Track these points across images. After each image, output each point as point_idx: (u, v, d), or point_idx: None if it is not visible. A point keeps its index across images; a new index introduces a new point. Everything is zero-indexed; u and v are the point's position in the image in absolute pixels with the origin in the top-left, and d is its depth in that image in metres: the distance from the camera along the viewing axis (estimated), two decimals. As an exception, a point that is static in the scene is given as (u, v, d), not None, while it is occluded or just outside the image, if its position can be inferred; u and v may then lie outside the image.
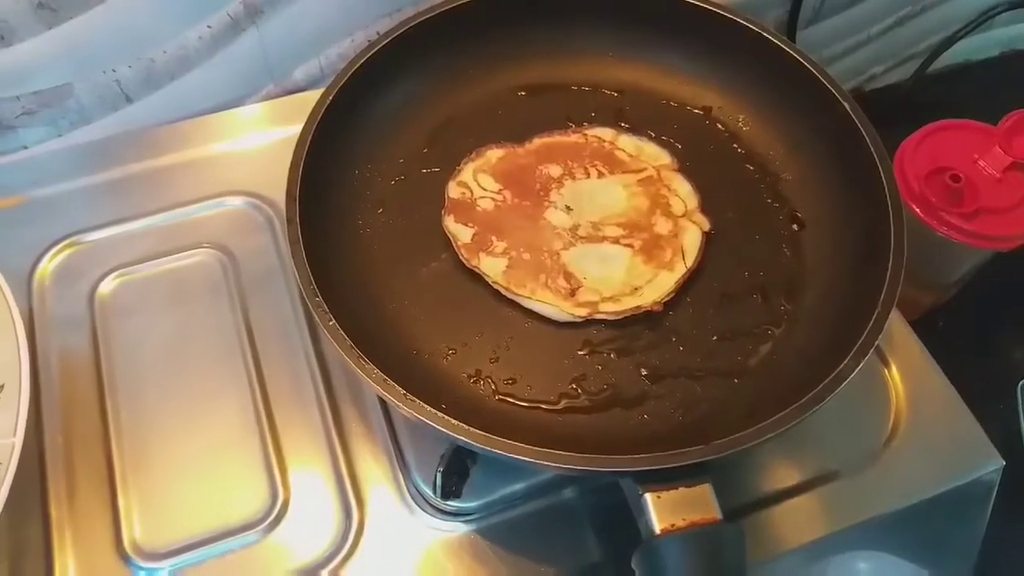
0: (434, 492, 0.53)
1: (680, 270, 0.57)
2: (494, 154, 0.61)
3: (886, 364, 0.62)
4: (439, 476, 0.51)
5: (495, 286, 0.56)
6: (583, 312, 0.55)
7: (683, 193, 0.60)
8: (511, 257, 0.57)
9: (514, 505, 0.54)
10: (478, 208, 0.59)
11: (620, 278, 0.56)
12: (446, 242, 0.58)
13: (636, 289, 0.56)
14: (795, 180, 0.62)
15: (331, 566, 0.52)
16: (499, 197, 0.60)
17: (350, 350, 0.47)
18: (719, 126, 0.65)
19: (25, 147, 0.68)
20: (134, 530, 0.52)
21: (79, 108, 0.66)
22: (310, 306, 0.49)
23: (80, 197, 0.66)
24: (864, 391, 0.60)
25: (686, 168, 0.62)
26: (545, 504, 0.55)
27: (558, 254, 0.57)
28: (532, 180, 0.61)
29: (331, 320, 0.48)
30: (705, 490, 0.42)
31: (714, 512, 0.42)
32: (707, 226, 0.59)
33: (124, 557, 0.52)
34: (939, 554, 0.64)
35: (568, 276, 0.56)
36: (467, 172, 0.60)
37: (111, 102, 0.67)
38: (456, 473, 0.53)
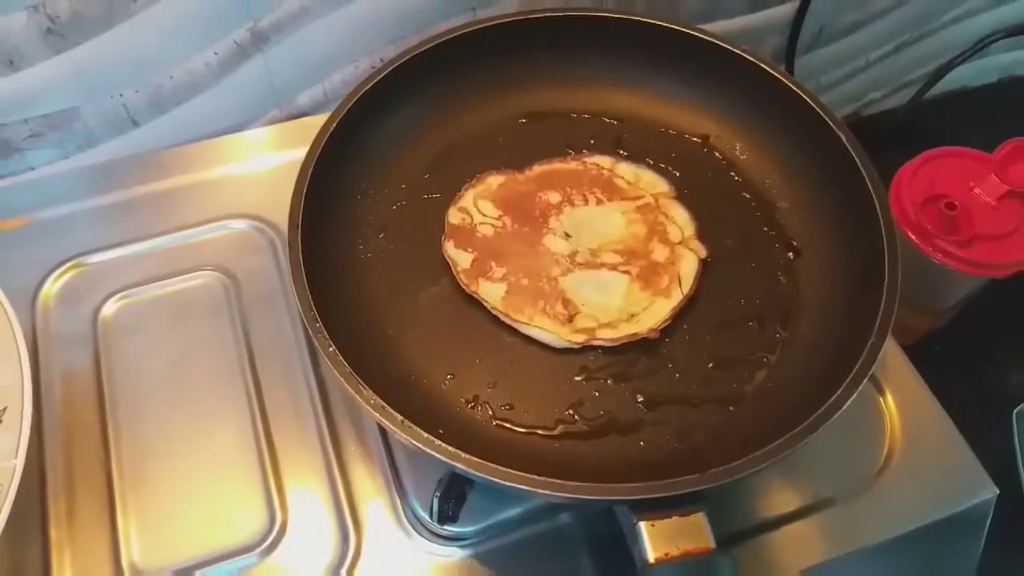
0: (431, 517, 0.54)
1: (676, 297, 0.57)
2: (494, 180, 0.62)
3: (881, 392, 0.62)
4: (436, 501, 0.52)
5: (494, 311, 0.56)
6: (580, 338, 0.55)
7: (680, 220, 0.61)
8: (510, 283, 0.57)
9: (511, 530, 0.55)
10: (478, 234, 0.60)
11: (617, 304, 0.57)
12: (446, 267, 0.59)
13: (633, 316, 0.56)
14: (791, 208, 0.62)
15: (328, 590, 0.52)
16: (499, 223, 0.60)
17: (349, 376, 0.48)
18: (716, 154, 0.66)
19: (32, 169, 0.69)
20: (132, 551, 0.53)
21: (86, 131, 0.67)
22: (310, 331, 0.49)
23: (85, 219, 0.67)
24: (859, 419, 0.60)
25: (684, 196, 0.63)
26: (541, 529, 0.55)
27: (556, 280, 0.58)
28: (532, 207, 0.61)
29: (331, 346, 0.49)
30: (699, 519, 0.43)
31: (708, 541, 0.42)
32: (703, 253, 0.59)
33: (123, 579, 0.52)
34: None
35: (566, 302, 0.57)
36: (467, 198, 0.61)
37: (118, 126, 0.68)
38: (453, 498, 0.53)
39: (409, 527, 0.54)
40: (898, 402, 0.62)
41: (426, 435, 0.45)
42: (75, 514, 0.54)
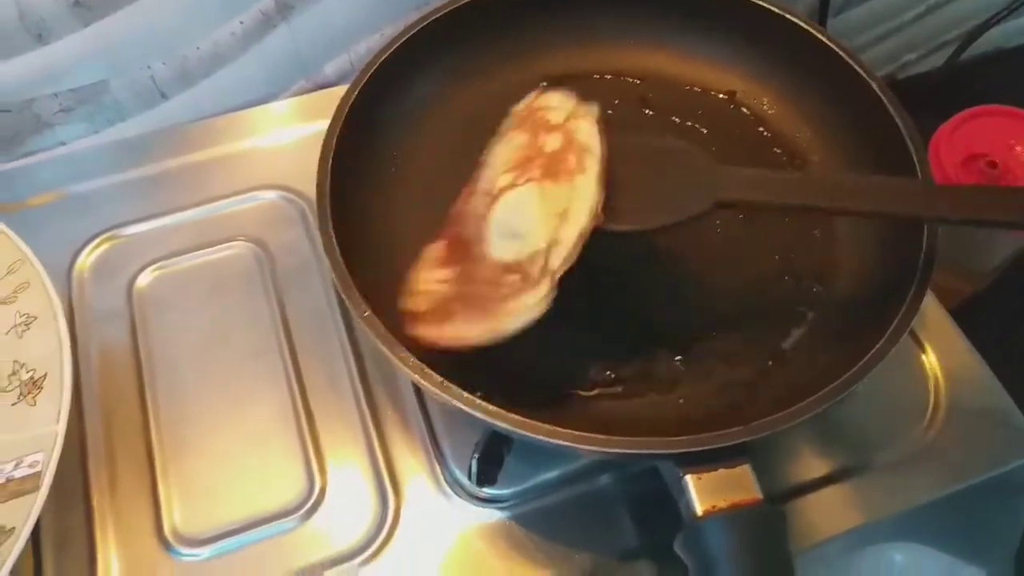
0: (469, 479, 0.53)
1: (593, 165, 0.50)
2: (433, 249, 0.53)
3: (923, 351, 0.61)
4: (475, 462, 0.51)
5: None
6: (545, 288, 0.47)
7: (555, 102, 0.55)
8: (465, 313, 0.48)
9: (548, 492, 0.54)
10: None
11: (539, 214, 0.49)
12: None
13: (563, 213, 0.49)
14: (824, 162, 0.61)
15: (368, 552, 0.52)
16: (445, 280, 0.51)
17: (385, 338, 0.47)
18: (744, 110, 0.64)
19: (62, 144, 0.69)
20: (174, 517, 0.53)
21: (115, 105, 0.67)
22: (344, 298, 0.49)
23: (117, 192, 0.67)
24: (902, 378, 0.59)
25: (712, 150, 0.61)
26: (578, 492, 0.55)
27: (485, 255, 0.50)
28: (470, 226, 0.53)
29: (366, 311, 0.48)
30: (745, 471, 0.42)
31: (755, 492, 0.42)
32: (596, 111, 0.53)
33: (165, 543, 0.52)
34: (978, 545, 0.63)
35: (507, 268, 0.49)
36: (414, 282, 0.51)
37: (147, 99, 0.68)
38: (491, 460, 0.53)
39: (448, 490, 0.54)
40: (941, 362, 0.60)
41: (467, 395, 0.44)
42: (116, 482, 0.54)
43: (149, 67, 0.66)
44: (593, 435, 0.42)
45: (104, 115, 0.68)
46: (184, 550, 0.52)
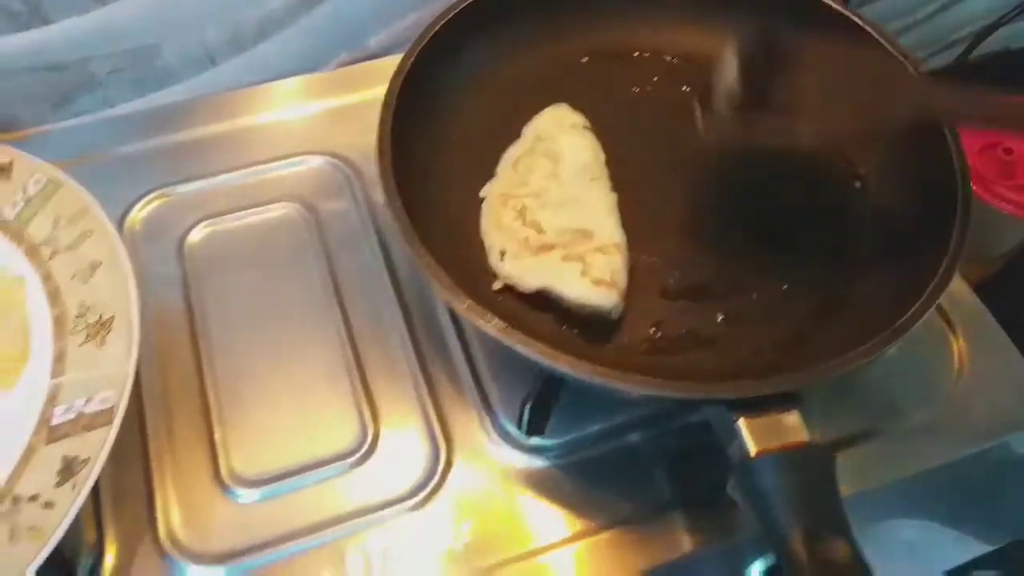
0: (519, 427, 0.55)
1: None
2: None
3: (951, 327, 0.63)
4: (527, 410, 0.53)
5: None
6: (615, 296, 0.53)
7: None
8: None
9: (591, 445, 0.56)
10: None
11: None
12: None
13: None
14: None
15: (420, 496, 0.54)
16: None
17: (452, 288, 0.49)
18: None
19: (111, 106, 0.70)
20: (231, 460, 0.55)
21: (165, 68, 0.69)
22: (411, 251, 0.50)
23: (165, 153, 0.68)
24: (927, 350, 0.61)
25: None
26: (619, 445, 0.57)
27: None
28: None
29: (431, 260, 0.50)
30: (795, 416, 0.44)
31: (804, 435, 0.44)
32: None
33: (222, 485, 0.54)
34: (988, 522, 0.65)
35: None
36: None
37: (195, 64, 0.70)
38: (540, 411, 0.55)
39: (497, 439, 0.56)
40: (966, 335, 0.63)
41: (535, 342, 0.46)
42: (173, 427, 0.56)
43: (202, 31, 0.67)
44: (657, 379, 0.44)
45: (153, 78, 0.69)
46: (240, 491, 0.54)
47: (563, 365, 0.45)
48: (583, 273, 0.53)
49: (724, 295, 0.56)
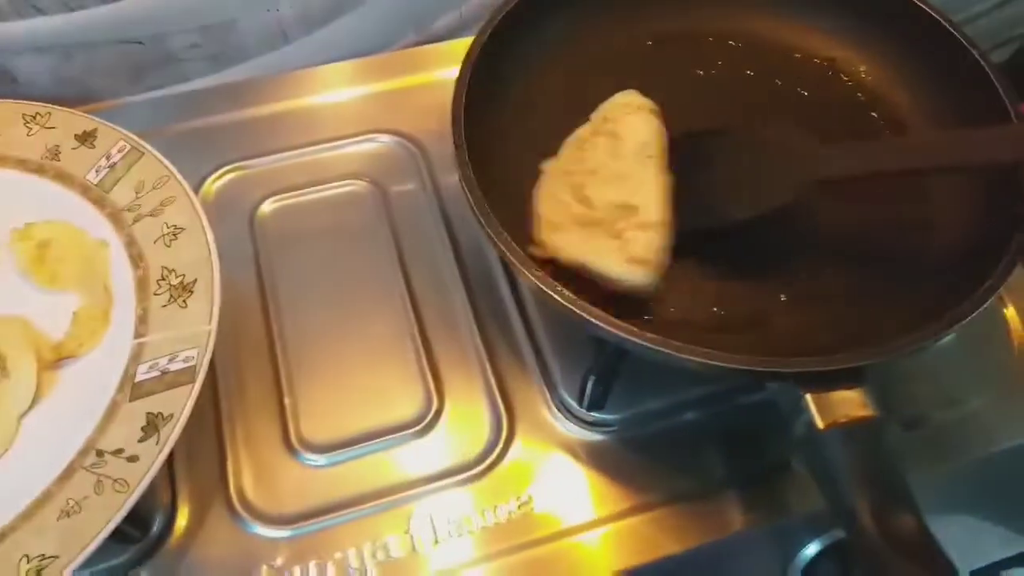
0: (580, 402, 0.56)
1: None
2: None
3: (1005, 306, 0.63)
4: (590, 383, 0.55)
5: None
6: (652, 274, 0.53)
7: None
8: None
9: (651, 421, 0.58)
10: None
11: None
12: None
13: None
14: (919, 127, 0.64)
15: (482, 466, 0.55)
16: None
17: (520, 257, 0.50)
18: (843, 76, 0.67)
19: (186, 80, 0.72)
20: (299, 426, 0.56)
21: (239, 44, 0.71)
22: (486, 228, 0.51)
23: (238, 129, 0.70)
24: (987, 332, 0.62)
25: (812, 116, 0.64)
26: (679, 422, 0.58)
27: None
28: None
29: (502, 233, 0.51)
30: (861, 392, 0.45)
31: (872, 410, 0.44)
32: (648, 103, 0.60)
33: (291, 449, 0.55)
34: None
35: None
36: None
37: (269, 41, 0.71)
38: (600, 386, 0.56)
39: (558, 413, 0.57)
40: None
41: (603, 313, 0.47)
42: (245, 395, 0.58)
43: (278, 9, 0.69)
44: (730, 354, 0.45)
45: (228, 55, 0.71)
46: (308, 456, 0.55)
47: (636, 339, 0.46)
48: (620, 250, 0.53)
49: (787, 275, 0.57)
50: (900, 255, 0.58)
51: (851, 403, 0.45)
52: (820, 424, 0.44)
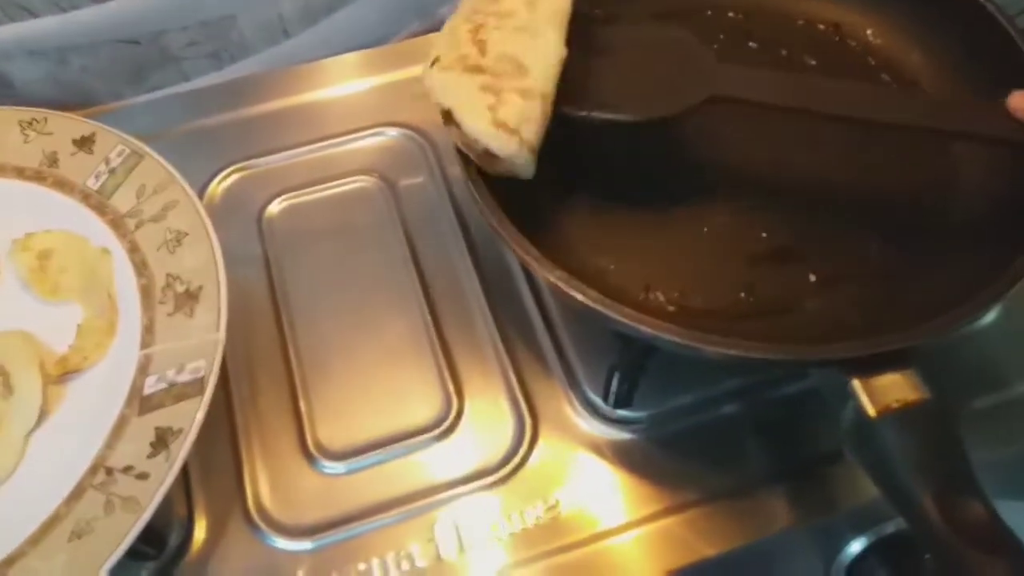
0: (606, 400, 0.54)
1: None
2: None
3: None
4: (615, 382, 0.52)
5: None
6: (524, 152, 0.48)
7: None
8: None
9: (681, 417, 0.55)
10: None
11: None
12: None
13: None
14: (934, 86, 0.61)
15: (506, 469, 0.53)
16: None
17: (539, 260, 0.48)
18: (850, 41, 0.64)
19: (186, 79, 0.70)
20: (316, 432, 0.54)
21: (240, 41, 0.69)
22: (496, 227, 0.49)
23: (241, 128, 0.68)
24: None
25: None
26: (711, 417, 0.55)
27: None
28: None
29: (516, 233, 0.49)
30: (911, 374, 0.42)
31: (924, 392, 0.42)
32: None
33: (309, 457, 0.53)
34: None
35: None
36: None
37: (270, 35, 0.69)
38: (627, 382, 0.54)
39: (583, 411, 0.55)
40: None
41: (632, 311, 0.45)
42: (259, 402, 0.56)
43: (277, 2, 0.67)
44: (765, 344, 0.43)
45: (229, 51, 0.69)
46: (326, 463, 0.53)
47: (666, 334, 0.44)
48: (491, 108, 0.47)
49: (815, 255, 0.54)
50: (930, 228, 0.55)
51: (902, 386, 0.42)
52: (871, 411, 0.41)
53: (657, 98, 0.53)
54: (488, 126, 0.47)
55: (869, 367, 0.42)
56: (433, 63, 0.50)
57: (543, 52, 0.51)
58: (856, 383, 0.42)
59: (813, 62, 0.63)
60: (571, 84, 0.52)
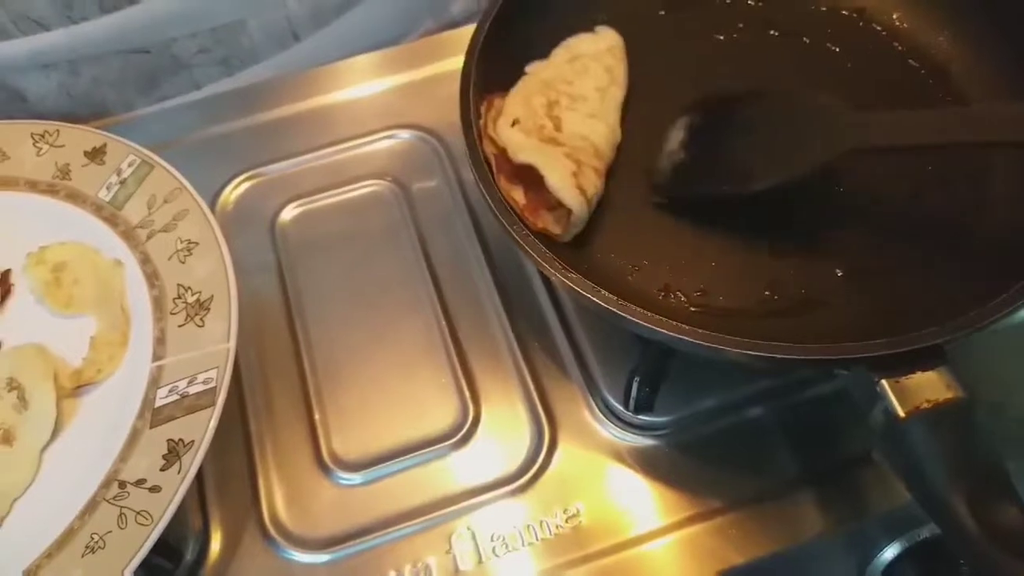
0: (626, 406, 0.52)
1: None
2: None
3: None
4: (635, 387, 0.51)
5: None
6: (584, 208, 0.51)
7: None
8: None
9: (704, 421, 0.54)
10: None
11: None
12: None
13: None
14: (965, 69, 0.59)
15: (525, 477, 0.52)
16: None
17: (552, 262, 0.47)
18: (875, 26, 0.62)
19: (198, 87, 0.70)
20: (332, 443, 0.53)
21: (250, 46, 0.68)
22: (510, 230, 0.48)
23: (253, 135, 0.68)
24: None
25: (847, 71, 0.59)
26: (735, 421, 0.54)
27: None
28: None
29: (529, 236, 0.48)
30: (943, 372, 0.40)
31: (958, 391, 0.40)
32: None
33: (324, 468, 0.53)
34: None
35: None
36: (489, 126, 0.55)
37: (280, 40, 0.69)
38: (647, 387, 0.52)
39: (602, 417, 0.53)
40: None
41: (649, 313, 0.44)
42: (274, 412, 0.55)
43: (285, 5, 0.66)
44: (789, 344, 0.41)
45: (239, 57, 0.69)
46: (342, 474, 0.52)
47: (686, 336, 0.42)
48: (574, 175, 0.51)
49: (842, 250, 0.52)
50: (958, 221, 0.52)
51: (933, 385, 0.40)
52: (901, 412, 0.40)
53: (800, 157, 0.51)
54: (572, 188, 0.50)
55: (898, 366, 0.41)
56: (513, 124, 0.54)
57: (610, 140, 0.56)
58: (885, 383, 0.40)
59: (836, 49, 0.61)
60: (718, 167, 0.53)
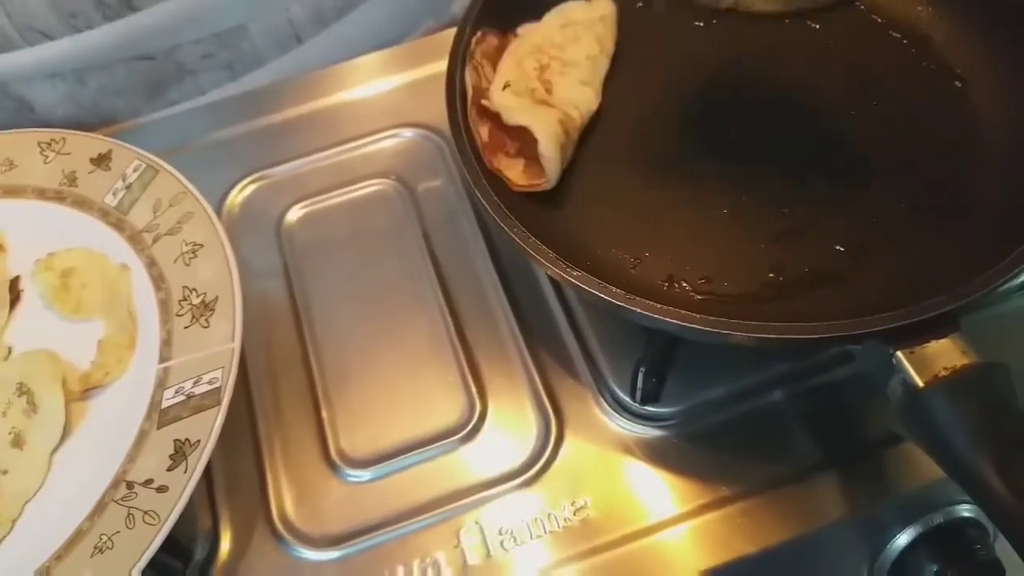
0: (633, 397, 0.52)
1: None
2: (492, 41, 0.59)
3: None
4: (640, 377, 0.50)
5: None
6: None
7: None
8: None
9: (713, 410, 0.53)
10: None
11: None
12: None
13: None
14: (947, 38, 0.58)
15: (533, 471, 0.51)
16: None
17: (556, 261, 0.47)
18: (855, 2, 0.62)
19: (202, 92, 0.70)
20: (339, 440, 0.53)
21: (253, 50, 0.69)
22: (509, 233, 0.48)
23: (257, 138, 0.68)
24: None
25: (829, 48, 0.60)
26: (745, 408, 0.53)
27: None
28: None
29: (529, 237, 0.48)
30: (956, 339, 0.40)
31: (973, 356, 0.39)
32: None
33: (332, 466, 0.53)
34: None
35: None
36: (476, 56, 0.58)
37: (282, 43, 0.69)
38: (653, 377, 0.52)
39: (609, 409, 0.53)
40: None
41: (657, 304, 0.44)
42: (281, 410, 0.55)
43: (287, 8, 0.67)
44: (798, 324, 0.41)
45: (242, 61, 0.69)
46: (350, 471, 0.52)
47: (700, 325, 0.42)
48: (562, 146, 0.53)
49: (841, 226, 0.51)
50: (957, 189, 0.52)
51: (949, 353, 0.40)
52: (920, 382, 0.39)
53: None
54: (556, 152, 0.52)
55: (911, 336, 0.40)
56: (505, 87, 0.55)
57: (591, 104, 0.57)
58: (900, 354, 0.40)
59: (816, 27, 0.61)
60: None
